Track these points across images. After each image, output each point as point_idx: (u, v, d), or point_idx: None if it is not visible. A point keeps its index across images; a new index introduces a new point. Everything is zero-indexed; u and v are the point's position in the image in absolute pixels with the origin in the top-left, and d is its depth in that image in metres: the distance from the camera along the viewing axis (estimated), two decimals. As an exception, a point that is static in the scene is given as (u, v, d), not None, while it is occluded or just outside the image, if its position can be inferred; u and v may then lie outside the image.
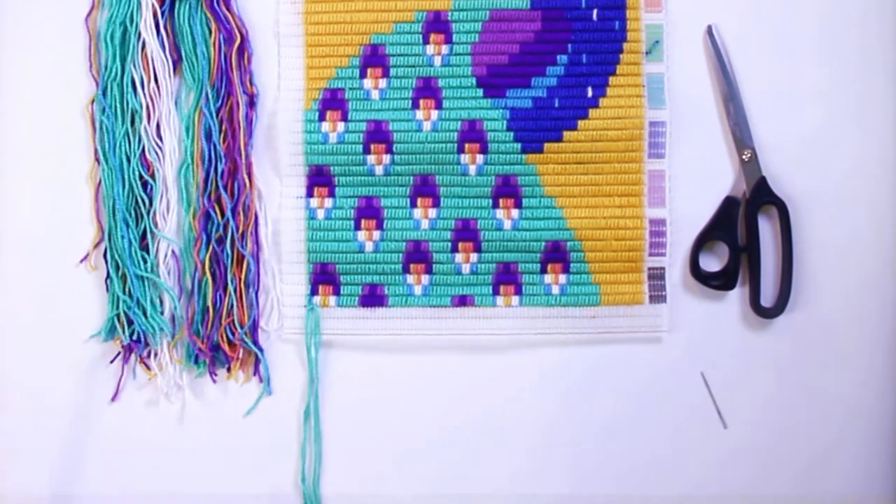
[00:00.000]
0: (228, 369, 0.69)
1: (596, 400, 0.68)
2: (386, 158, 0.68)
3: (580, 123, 0.68)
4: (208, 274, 0.68)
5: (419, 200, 0.69)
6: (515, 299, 0.69)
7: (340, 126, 0.68)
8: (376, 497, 0.69)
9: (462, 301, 0.68)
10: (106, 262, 0.68)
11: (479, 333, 0.69)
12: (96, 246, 0.69)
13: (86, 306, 0.70)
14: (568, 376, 0.69)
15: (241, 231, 0.68)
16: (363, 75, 0.68)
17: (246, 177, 0.68)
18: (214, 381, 0.69)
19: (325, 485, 0.69)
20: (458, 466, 0.69)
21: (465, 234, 0.68)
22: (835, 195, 0.69)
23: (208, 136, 0.68)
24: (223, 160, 0.68)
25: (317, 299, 0.69)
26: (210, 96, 0.68)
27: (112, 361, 0.69)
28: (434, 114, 0.68)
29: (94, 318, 0.69)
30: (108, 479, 0.70)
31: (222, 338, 0.68)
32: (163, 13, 0.68)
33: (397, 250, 0.69)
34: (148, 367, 0.69)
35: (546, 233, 0.68)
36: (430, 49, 0.68)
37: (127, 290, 0.68)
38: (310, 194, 0.69)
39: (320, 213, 0.69)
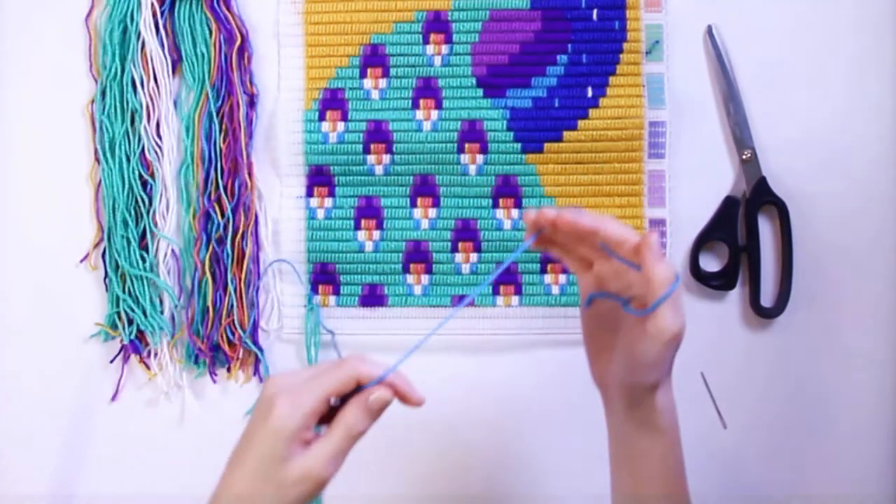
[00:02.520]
0: (228, 369, 0.69)
1: (596, 400, 0.68)
2: (386, 158, 0.68)
3: (580, 123, 0.68)
4: (208, 274, 0.68)
5: (419, 200, 0.69)
6: (515, 299, 0.68)
7: (340, 126, 0.68)
8: (376, 497, 0.69)
9: (462, 301, 0.68)
10: (104, 261, 0.68)
11: (479, 333, 0.69)
12: (96, 246, 0.69)
13: (86, 306, 0.70)
14: (568, 376, 0.69)
15: (241, 231, 0.68)
16: (363, 75, 0.68)
17: (246, 177, 0.68)
18: (214, 381, 0.69)
19: (325, 485, 0.69)
20: (458, 466, 0.69)
21: (465, 234, 0.68)
22: (835, 195, 0.69)
23: (208, 136, 0.68)
24: (223, 160, 0.68)
25: (317, 299, 0.69)
26: (210, 96, 0.68)
27: (112, 361, 0.69)
28: (434, 114, 0.68)
29: (94, 318, 0.69)
30: (108, 479, 0.70)
31: (222, 338, 0.68)
32: (162, 13, 0.68)
33: (397, 250, 0.69)
34: (148, 367, 0.69)
35: (546, 233, 0.68)
36: (430, 49, 0.68)
37: (126, 289, 0.68)
38: (310, 194, 0.69)
39: (320, 213, 0.69)
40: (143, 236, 0.68)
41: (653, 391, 0.48)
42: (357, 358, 0.48)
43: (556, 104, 0.68)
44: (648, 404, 0.49)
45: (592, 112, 0.68)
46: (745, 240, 0.68)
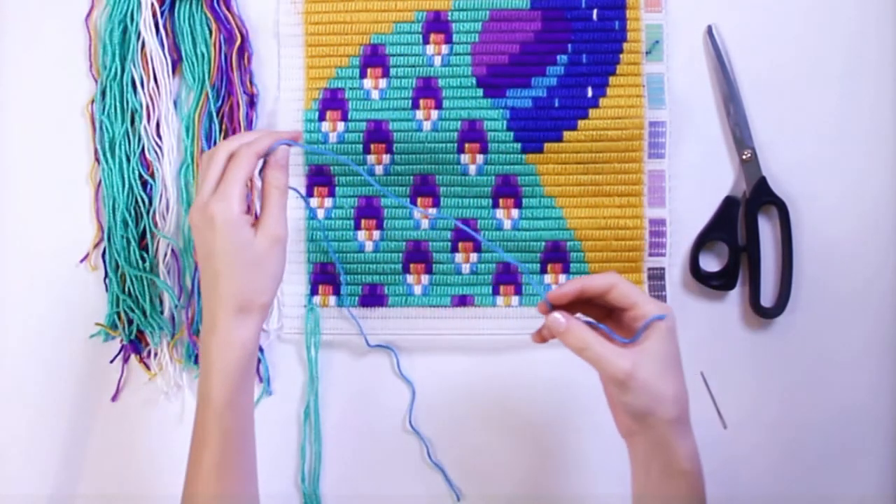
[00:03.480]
0: (228, 369, 0.69)
1: (596, 400, 0.68)
2: (386, 158, 0.68)
3: (580, 123, 0.68)
4: (208, 274, 0.68)
5: (419, 200, 0.69)
6: (515, 299, 0.68)
7: (340, 126, 0.68)
8: (376, 497, 0.69)
9: (462, 301, 0.68)
10: (104, 261, 0.68)
11: (478, 333, 0.69)
12: (96, 246, 0.69)
13: (86, 306, 0.70)
14: (568, 376, 0.69)
15: (241, 231, 0.68)
16: (363, 75, 0.68)
17: (246, 177, 0.68)
18: (214, 381, 0.69)
19: (325, 485, 0.69)
20: (457, 466, 0.69)
21: (465, 234, 0.68)
22: (835, 195, 0.69)
23: (208, 136, 0.68)
24: (223, 160, 0.68)
25: (317, 299, 0.69)
26: (210, 96, 0.68)
27: (112, 361, 0.69)
28: (434, 114, 0.68)
29: (94, 318, 0.69)
30: (108, 479, 0.70)
31: (222, 338, 0.68)
32: (162, 13, 0.68)
33: (397, 250, 0.69)
34: (148, 367, 0.69)
35: (546, 233, 0.68)
36: (430, 49, 0.68)
37: (126, 289, 0.68)
38: (310, 194, 0.69)
39: (320, 213, 0.69)
40: (143, 236, 0.68)
41: (670, 432, 0.51)
42: (248, 143, 0.56)
43: (556, 104, 0.68)
44: (668, 447, 0.51)
45: (592, 112, 0.68)
46: (745, 240, 0.68)
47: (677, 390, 0.51)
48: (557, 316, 0.51)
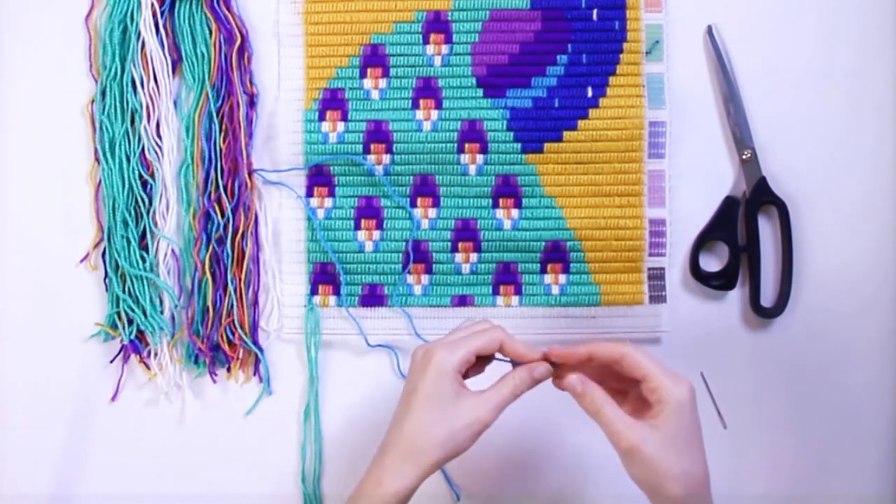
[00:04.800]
0: (228, 369, 0.69)
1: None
2: (386, 158, 0.68)
3: (580, 123, 0.68)
4: (208, 274, 0.68)
5: (419, 200, 0.69)
6: (515, 299, 0.69)
7: (340, 126, 0.68)
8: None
9: (462, 301, 0.68)
10: (104, 261, 0.68)
11: (479, 333, 0.68)
12: (96, 246, 0.69)
13: (86, 306, 0.70)
14: (568, 376, 0.69)
15: (241, 231, 0.68)
16: (363, 75, 0.68)
17: (246, 177, 0.68)
18: (214, 381, 0.69)
19: (325, 485, 0.69)
20: (457, 466, 0.69)
21: (465, 233, 0.68)
22: (835, 195, 0.69)
23: (208, 136, 0.68)
24: (223, 160, 0.68)
25: (317, 299, 0.69)
26: (210, 96, 0.68)
27: (112, 361, 0.69)
28: (434, 114, 0.68)
29: (94, 318, 0.69)
30: (108, 479, 0.70)
31: (222, 338, 0.68)
32: (162, 13, 0.68)
33: (397, 250, 0.69)
34: (148, 367, 0.69)
35: (546, 233, 0.68)
36: (430, 49, 0.68)
37: (126, 289, 0.68)
38: (310, 194, 0.69)
39: (320, 213, 0.69)
40: (143, 236, 0.68)
41: None
42: (499, 328, 0.55)
43: (556, 104, 0.68)
44: None
45: (592, 112, 0.68)
46: (745, 240, 0.68)
47: (686, 468, 0.50)
48: (574, 380, 0.53)
